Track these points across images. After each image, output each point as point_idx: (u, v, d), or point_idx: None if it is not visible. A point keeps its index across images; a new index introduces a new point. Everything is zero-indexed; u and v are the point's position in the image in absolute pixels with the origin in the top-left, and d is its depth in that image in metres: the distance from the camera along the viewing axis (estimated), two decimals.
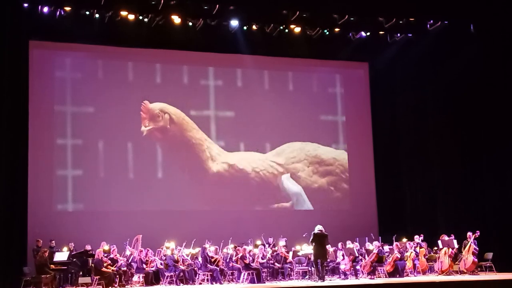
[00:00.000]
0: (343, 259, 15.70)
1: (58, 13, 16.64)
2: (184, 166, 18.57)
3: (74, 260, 15.24)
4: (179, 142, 18.63)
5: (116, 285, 14.42)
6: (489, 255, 16.40)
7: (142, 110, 18.30)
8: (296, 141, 19.71)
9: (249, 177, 19.19)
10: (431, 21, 18.38)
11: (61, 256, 15.19)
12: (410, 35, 19.10)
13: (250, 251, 15.65)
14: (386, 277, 15.47)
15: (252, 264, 15.17)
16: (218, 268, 15.07)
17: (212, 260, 15.28)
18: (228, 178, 18.99)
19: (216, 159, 18.94)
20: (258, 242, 16.81)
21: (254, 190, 19.15)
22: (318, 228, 14.61)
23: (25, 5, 16.33)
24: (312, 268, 15.47)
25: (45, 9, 16.57)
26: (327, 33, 18.64)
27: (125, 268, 14.92)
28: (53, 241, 15.85)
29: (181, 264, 15.13)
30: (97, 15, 16.91)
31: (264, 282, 14.96)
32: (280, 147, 19.58)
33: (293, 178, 19.53)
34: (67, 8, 16.50)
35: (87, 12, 16.77)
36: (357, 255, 15.62)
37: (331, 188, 19.87)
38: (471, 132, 18.66)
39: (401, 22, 18.22)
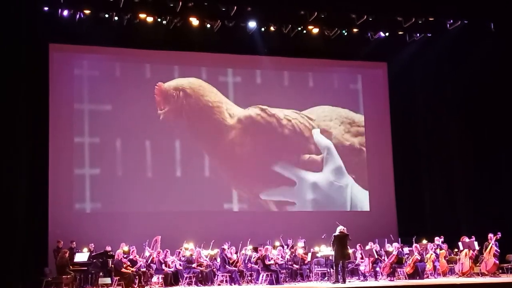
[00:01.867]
0: (363, 260, 15.62)
1: (77, 16, 16.79)
2: (205, 136, 18.42)
3: (94, 261, 15.34)
4: (197, 112, 18.47)
5: (135, 286, 14.50)
6: (511, 256, 16.29)
7: (156, 93, 18.18)
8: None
9: (281, 123, 19.18)
10: (451, 21, 18.21)
11: (82, 257, 15.31)
12: (429, 34, 18.94)
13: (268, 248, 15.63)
14: (406, 279, 15.37)
15: (271, 265, 15.15)
16: (236, 269, 15.09)
17: (231, 261, 15.29)
18: (261, 122, 19.01)
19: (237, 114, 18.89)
20: (277, 244, 16.79)
21: (286, 138, 19.14)
22: (339, 229, 14.52)
23: (45, 8, 16.50)
24: (331, 270, 15.41)
25: (65, 13, 16.72)
26: (345, 33, 18.56)
27: (144, 269, 15.01)
28: (74, 242, 15.97)
29: (198, 265, 15.16)
30: (116, 18, 17.02)
31: (283, 284, 14.95)
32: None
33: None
34: (87, 11, 16.64)
35: (106, 15, 16.88)
36: (376, 256, 15.54)
37: (363, 148, 19.86)
38: (490, 132, 18.47)
39: (420, 21, 18.07)
